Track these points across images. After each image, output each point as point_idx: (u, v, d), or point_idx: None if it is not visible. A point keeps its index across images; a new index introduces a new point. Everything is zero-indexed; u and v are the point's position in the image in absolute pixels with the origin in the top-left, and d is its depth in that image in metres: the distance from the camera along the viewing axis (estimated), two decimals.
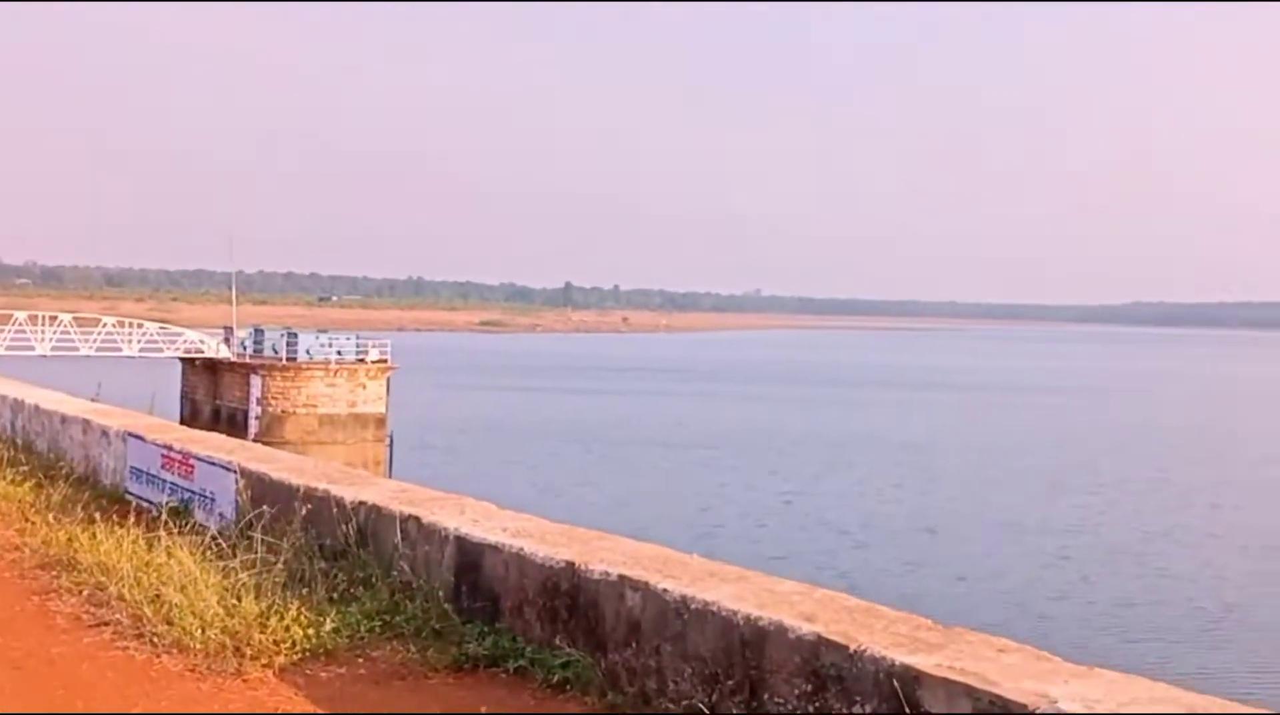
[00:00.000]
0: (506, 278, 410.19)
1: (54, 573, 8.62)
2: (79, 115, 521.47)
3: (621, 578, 5.93)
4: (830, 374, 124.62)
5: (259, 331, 64.53)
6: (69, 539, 9.32)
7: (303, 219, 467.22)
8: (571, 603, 6.18)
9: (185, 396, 64.70)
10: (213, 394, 62.99)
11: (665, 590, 5.58)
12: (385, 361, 62.89)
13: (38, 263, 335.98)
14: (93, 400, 15.20)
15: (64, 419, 13.07)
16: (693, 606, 5.38)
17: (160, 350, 64.50)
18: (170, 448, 10.84)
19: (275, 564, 7.78)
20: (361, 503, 8.06)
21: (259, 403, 59.40)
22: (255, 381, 59.60)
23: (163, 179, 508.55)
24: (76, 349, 62.58)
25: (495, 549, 6.85)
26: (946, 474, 55.32)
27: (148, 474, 11.23)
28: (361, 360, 62.17)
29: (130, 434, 11.56)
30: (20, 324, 62.40)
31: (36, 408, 13.92)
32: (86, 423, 12.47)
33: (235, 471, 9.62)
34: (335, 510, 8.17)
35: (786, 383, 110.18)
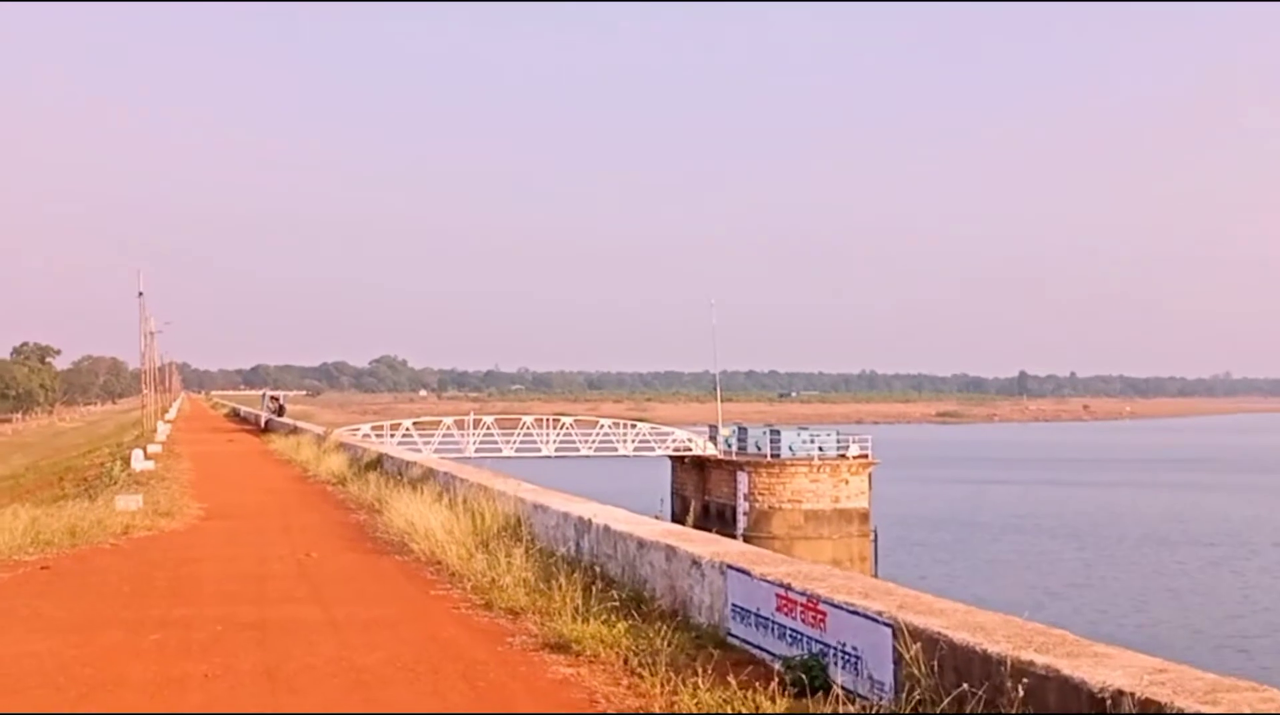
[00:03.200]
0: (959, 368, 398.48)
1: None
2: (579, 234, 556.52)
3: None
4: None
5: (743, 429, 63.98)
6: (699, 709, 7.43)
7: (760, 318, 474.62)
8: None
9: (675, 492, 64.95)
10: (701, 490, 62.77)
11: None
12: (866, 456, 60.79)
13: (530, 369, 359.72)
14: (656, 517, 13.68)
15: (641, 543, 11.40)
16: None
17: (652, 449, 65.11)
18: (788, 587, 8.82)
19: None
20: (1121, 692, 5.64)
21: (746, 499, 58.54)
22: (742, 478, 58.82)
23: (688, 285, 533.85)
24: (577, 450, 64.13)
25: None
26: None
27: (757, 616, 9.26)
28: (843, 455, 60.30)
29: (730, 566, 9.68)
30: (528, 427, 64.66)
31: (606, 529, 12.38)
32: (671, 550, 10.71)
33: (890, 625, 7.44)
34: (1076, 698, 5.80)
35: (1269, 472, 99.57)
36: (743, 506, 58.60)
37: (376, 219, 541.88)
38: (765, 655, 8.99)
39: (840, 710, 7.14)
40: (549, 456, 62.05)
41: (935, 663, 6.86)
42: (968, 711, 6.37)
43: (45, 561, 14.79)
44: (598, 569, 12.04)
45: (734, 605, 9.66)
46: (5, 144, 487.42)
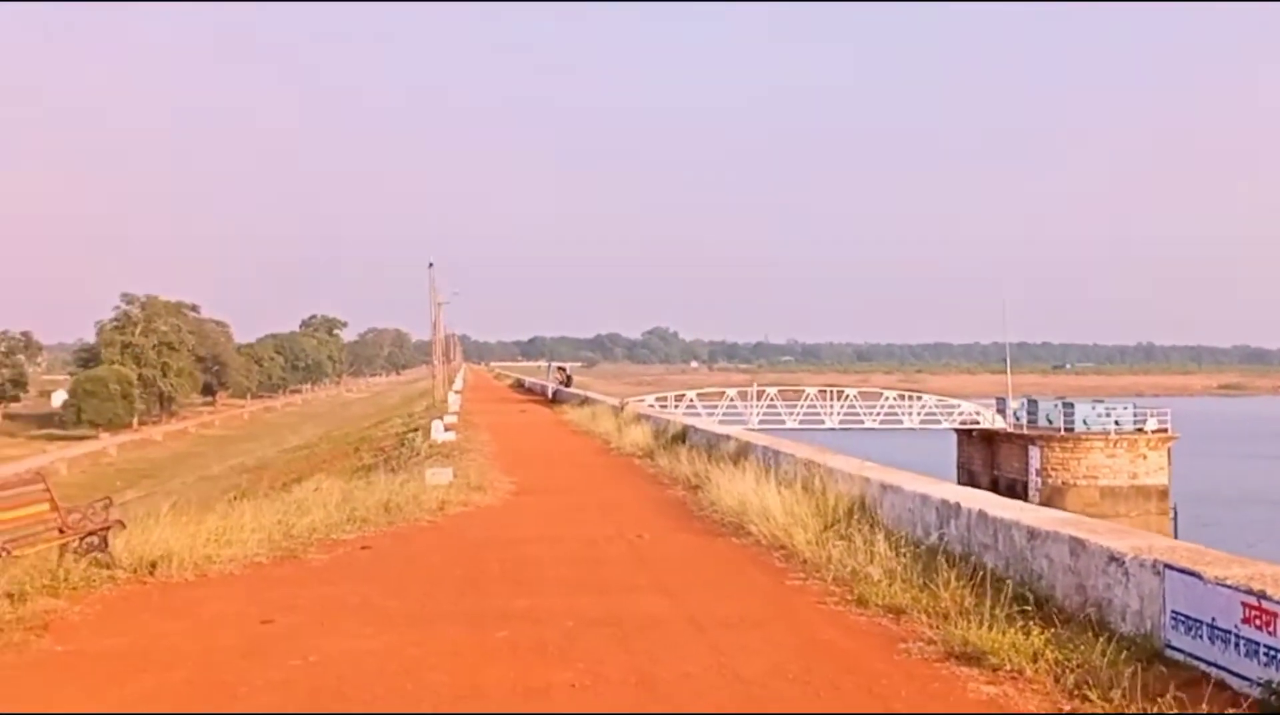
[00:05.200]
0: (1239, 339, 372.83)
1: None
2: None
3: None
4: None
5: (1032, 402, 60.69)
6: None
7: (1033, 287, 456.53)
8: None
9: (961, 466, 62.17)
10: (990, 464, 59.84)
11: None
12: (1166, 430, 56.80)
13: (798, 341, 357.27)
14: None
15: (1033, 533, 9.68)
16: None
17: (938, 422, 62.50)
18: (1262, 595, 7.00)
19: None
20: None
21: (1038, 474, 55.38)
22: (1034, 452, 55.69)
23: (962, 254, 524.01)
24: (861, 422, 62.13)
25: None
26: None
27: (1213, 627, 7.44)
28: (1140, 429, 56.45)
29: (1170, 566, 7.90)
30: (811, 399, 63.05)
31: (982, 514, 10.70)
32: (1078, 543, 8.97)
33: None
34: None
35: None
36: (1035, 482, 55.49)
37: (644, 192, 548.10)
38: (1226, 675, 7.20)
39: None
40: (833, 428, 60.23)
41: None
42: None
43: (364, 541, 13.64)
44: (972, 561, 10.41)
45: (1175, 612, 7.85)
46: (300, 127, 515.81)
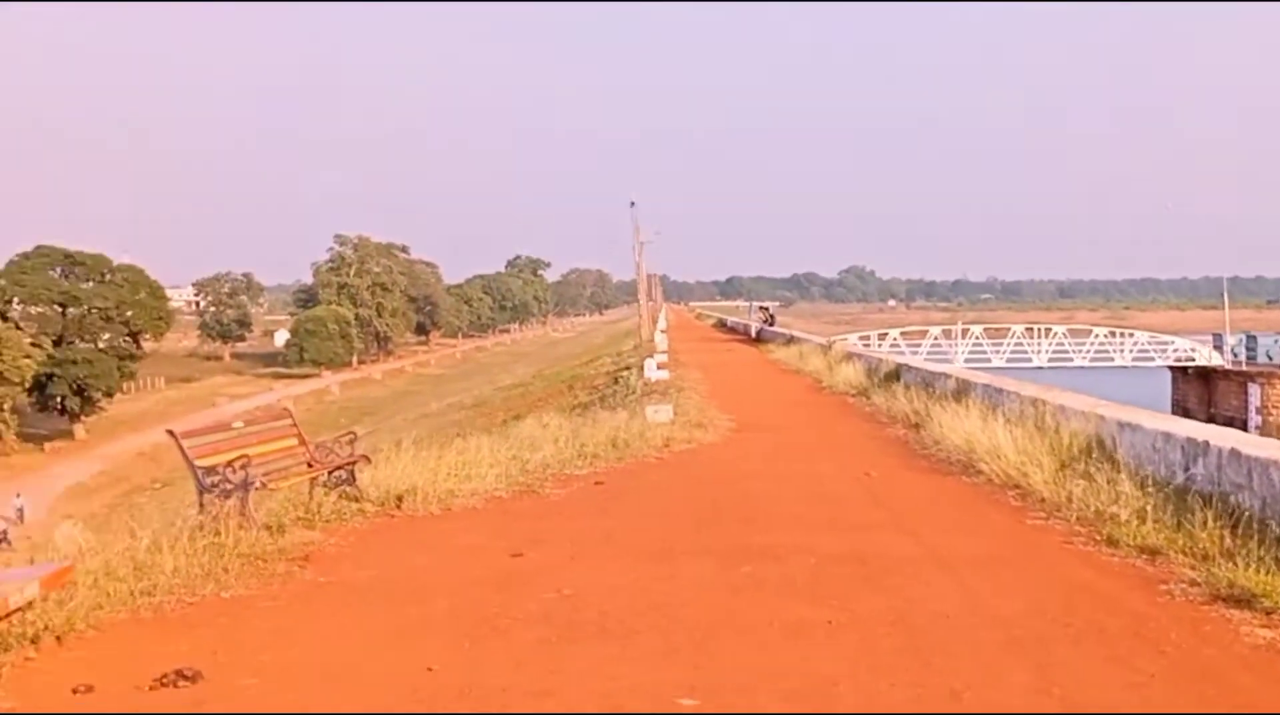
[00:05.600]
0: None
1: None
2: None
3: None
4: None
5: (1251, 337, 57.90)
6: None
7: (1242, 219, 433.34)
8: None
9: (1176, 404, 59.69)
10: (1206, 402, 57.34)
11: None
12: None
13: (998, 278, 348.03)
14: None
15: None
16: None
17: (1151, 359, 60.06)
18: None
19: None
20: None
21: (1258, 412, 52.86)
22: (1254, 390, 53.21)
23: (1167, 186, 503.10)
24: (1070, 360, 60.10)
25: None
26: None
27: None
28: None
29: None
30: (1017, 336, 61.31)
31: (1234, 452, 10.15)
32: None
33: None
34: None
35: None
36: (1255, 421, 52.96)
37: (850, 130, 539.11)
38: None
39: None
40: (1040, 367, 58.34)
41: None
42: None
43: (596, 477, 13.65)
44: (1229, 501, 9.92)
45: None
46: (508, 65, 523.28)
